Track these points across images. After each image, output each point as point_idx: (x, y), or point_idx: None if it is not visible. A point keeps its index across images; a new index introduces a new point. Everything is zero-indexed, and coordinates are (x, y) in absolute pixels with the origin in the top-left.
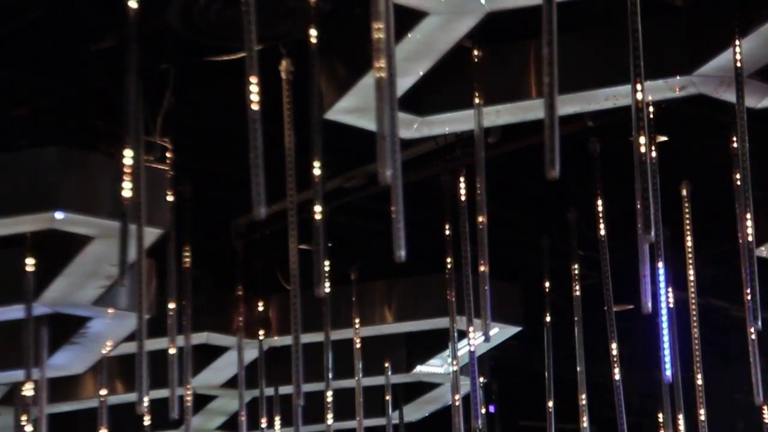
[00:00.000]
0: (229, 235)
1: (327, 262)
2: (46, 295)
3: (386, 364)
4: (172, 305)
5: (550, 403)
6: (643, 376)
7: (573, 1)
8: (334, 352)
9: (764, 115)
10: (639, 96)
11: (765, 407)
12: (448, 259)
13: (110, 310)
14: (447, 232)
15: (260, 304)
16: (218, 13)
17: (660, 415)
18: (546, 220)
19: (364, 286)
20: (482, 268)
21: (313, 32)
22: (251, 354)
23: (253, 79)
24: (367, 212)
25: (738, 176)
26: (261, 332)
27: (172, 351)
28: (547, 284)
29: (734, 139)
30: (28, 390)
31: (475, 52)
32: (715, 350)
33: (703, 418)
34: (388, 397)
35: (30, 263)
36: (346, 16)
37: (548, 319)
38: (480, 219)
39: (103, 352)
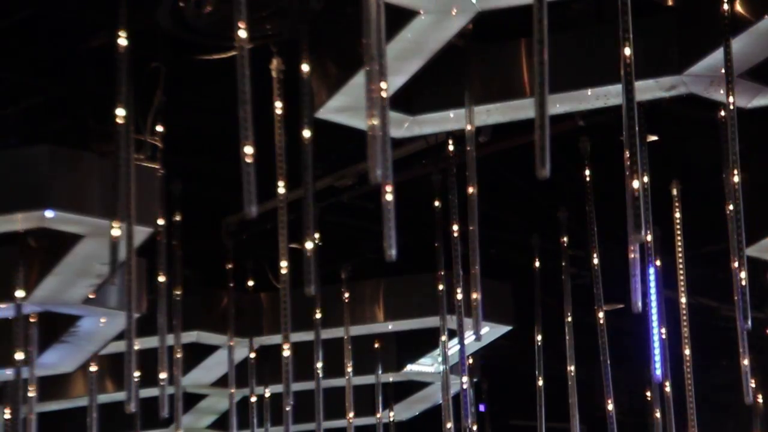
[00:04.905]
0: (219, 234)
1: (317, 261)
2: (36, 294)
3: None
4: (161, 304)
5: (541, 402)
6: (633, 376)
7: (564, 0)
8: (324, 350)
9: (754, 115)
10: (629, 95)
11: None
12: (439, 258)
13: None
14: (437, 231)
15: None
16: (209, 12)
17: (650, 415)
18: (536, 219)
19: (354, 285)
20: (473, 267)
21: (303, 31)
22: (241, 353)
23: (244, 78)
24: (358, 211)
25: (728, 176)
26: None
27: (161, 349)
28: (537, 283)
29: (724, 138)
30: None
31: (466, 52)
32: (705, 349)
33: (693, 417)
34: (379, 391)
35: (20, 261)
36: (337, 15)
37: (539, 318)
38: (470, 218)
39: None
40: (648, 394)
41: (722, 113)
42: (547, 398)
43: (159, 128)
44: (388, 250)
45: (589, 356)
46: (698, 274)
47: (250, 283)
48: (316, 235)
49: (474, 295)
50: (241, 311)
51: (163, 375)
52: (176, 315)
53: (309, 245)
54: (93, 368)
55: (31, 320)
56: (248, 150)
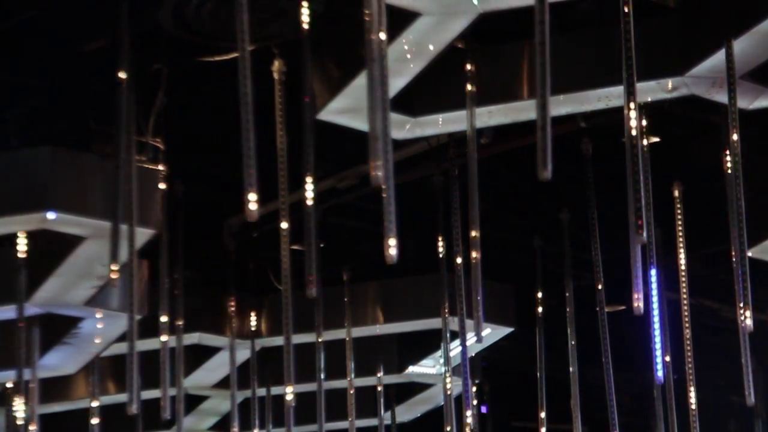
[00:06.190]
0: (221, 236)
1: (319, 262)
2: (38, 296)
3: (379, 366)
4: (163, 306)
5: (542, 404)
6: (635, 377)
7: (565, 1)
8: (326, 352)
9: (756, 116)
10: (631, 97)
11: None
12: (441, 260)
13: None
14: (439, 233)
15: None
16: (210, 13)
17: (652, 416)
18: (538, 221)
19: (356, 287)
20: (474, 269)
21: (305, 33)
22: (243, 354)
23: (246, 80)
24: (360, 213)
25: (730, 177)
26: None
27: (163, 350)
28: (539, 285)
29: (726, 139)
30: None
31: (468, 53)
32: (706, 351)
33: (695, 418)
34: (380, 393)
35: (22, 263)
36: (339, 16)
37: (540, 319)
38: (472, 220)
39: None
40: (650, 394)
41: (724, 114)
42: (548, 400)
43: (160, 129)
44: (390, 251)
45: (591, 358)
46: (700, 276)
47: (252, 284)
48: (318, 237)
49: (475, 296)
50: (242, 313)
51: (164, 377)
52: (178, 316)
53: (310, 247)
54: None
55: (33, 322)
56: (250, 152)
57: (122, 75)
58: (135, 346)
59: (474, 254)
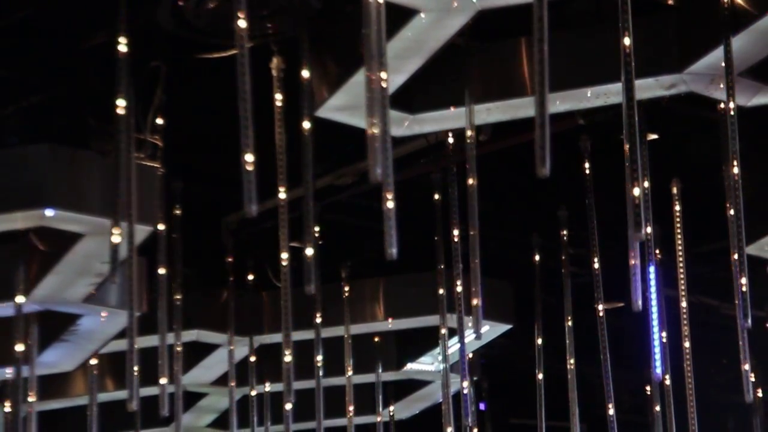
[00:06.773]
0: (219, 233)
1: (318, 259)
2: (36, 293)
3: (377, 362)
4: (162, 303)
5: (541, 401)
6: (633, 374)
7: None
8: (324, 349)
9: (754, 113)
10: (629, 94)
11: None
12: (439, 257)
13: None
14: (437, 230)
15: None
16: (209, 10)
17: (650, 413)
18: (536, 218)
19: (354, 284)
20: (473, 266)
21: (304, 30)
22: (242, 351)
23: (244, 77)
24: (358, 210)
25: (728, 174)
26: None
27: (161, 347)
28: (537, 282)
29: (725, 136)
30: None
31: (466, 50)
32: (705, 348)
33: (693, 416)
34: (378, 389)
35: (20, 260)
36: (337, 13)
37: (539, 316)
38: (470, 216)
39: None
40: (648, 392)
41: (722, 111)
42: (547, 397)
43: (159, 127)
44: (389, 249)
45: (589, 355)
46: (698, 273)
47: (251, 281)
48: (317, 234)
49: (474, 294)
50: (241, 310)
51: (163, 374)
52: (176, 314)
53: (309, 244)
54: (93, 361)
55: (31, 319)
56: (248, 149)
57: (120, 72)
58: (134, 343)
59: (472, 251)
